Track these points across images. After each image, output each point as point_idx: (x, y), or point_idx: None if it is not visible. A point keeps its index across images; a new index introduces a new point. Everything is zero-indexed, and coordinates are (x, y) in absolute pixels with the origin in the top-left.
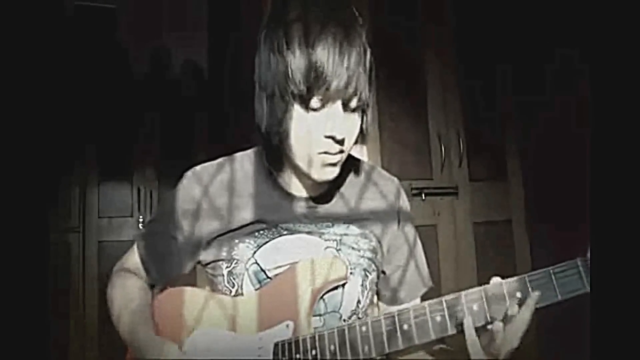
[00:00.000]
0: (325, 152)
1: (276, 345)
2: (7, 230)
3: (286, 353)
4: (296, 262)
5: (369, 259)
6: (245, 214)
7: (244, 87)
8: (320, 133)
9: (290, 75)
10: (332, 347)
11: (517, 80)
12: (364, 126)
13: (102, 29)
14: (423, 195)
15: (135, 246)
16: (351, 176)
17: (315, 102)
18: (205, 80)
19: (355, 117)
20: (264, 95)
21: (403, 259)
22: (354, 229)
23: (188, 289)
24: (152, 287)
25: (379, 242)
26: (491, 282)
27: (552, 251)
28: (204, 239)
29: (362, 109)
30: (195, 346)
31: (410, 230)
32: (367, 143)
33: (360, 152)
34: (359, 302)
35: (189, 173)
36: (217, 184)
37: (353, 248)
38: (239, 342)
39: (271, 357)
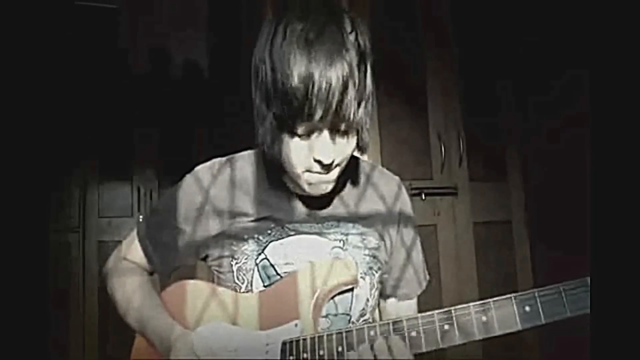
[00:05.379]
0: (316, 172)
1: (284, 343)
2: (7, 230)
3: (294, 352)
4: (304, 263)
5: (375, 257)
6: (251, 211)
7: (243, 88)
8: (309, 157)
9: (274, 104)
10: (340, 348)
11: (517, 79)
12: (360, 144)
13: (102, 28)
14: (423, 195)
15: (135, 236)
16: (352, 177)
17: (301, 130)
18: (205, 80)
19: (347, 139)
20: (258, 116)
21: (401, 260)
22: (358, 227)
23: (191, 281)
24: (151, 274)
25: (383, 239)
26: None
27: (552, 252)
28: (209, 235)
29: (355, 129)
30: (203, 338)
31: (409, 232)
32: (367, 152)
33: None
34: (367, 300)
35: (190, 173)
36: (221, 181)
37: (358, 247)
38: (247, 338)
39: (279, 355)
